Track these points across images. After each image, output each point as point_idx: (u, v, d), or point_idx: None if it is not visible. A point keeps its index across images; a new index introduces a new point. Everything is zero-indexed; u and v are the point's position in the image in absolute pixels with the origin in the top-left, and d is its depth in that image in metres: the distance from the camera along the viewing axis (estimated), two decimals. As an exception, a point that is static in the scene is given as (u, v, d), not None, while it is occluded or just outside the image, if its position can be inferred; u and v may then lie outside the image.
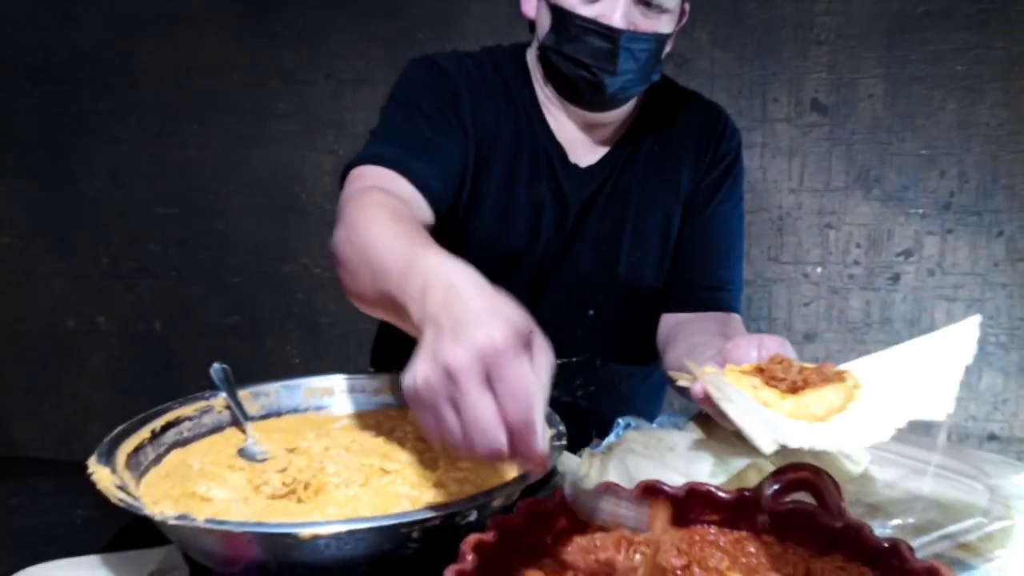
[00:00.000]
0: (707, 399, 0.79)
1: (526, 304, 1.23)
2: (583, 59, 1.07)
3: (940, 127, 2.14)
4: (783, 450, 0.89)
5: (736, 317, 1.20)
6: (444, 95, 1.12)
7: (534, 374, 0.59)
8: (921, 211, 2.19)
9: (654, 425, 1.15)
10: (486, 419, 0.56)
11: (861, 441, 0.68)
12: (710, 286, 1.21)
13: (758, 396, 0.76)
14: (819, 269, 2.24)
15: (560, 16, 1.07)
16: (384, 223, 0.85)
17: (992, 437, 2.28)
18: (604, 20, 1.05)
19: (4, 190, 2.49)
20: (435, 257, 0.71)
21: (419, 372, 0.59)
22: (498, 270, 1.16)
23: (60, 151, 2.45)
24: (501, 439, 0.57)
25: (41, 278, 2.53)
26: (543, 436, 0.60)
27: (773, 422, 0.72)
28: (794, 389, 0.75)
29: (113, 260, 2.50)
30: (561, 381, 1.22)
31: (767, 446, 0.66)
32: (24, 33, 2.40)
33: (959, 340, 0.76)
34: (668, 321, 1.22)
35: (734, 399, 0.75)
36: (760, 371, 0.79)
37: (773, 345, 0.85)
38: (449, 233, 1.14)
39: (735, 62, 2.17)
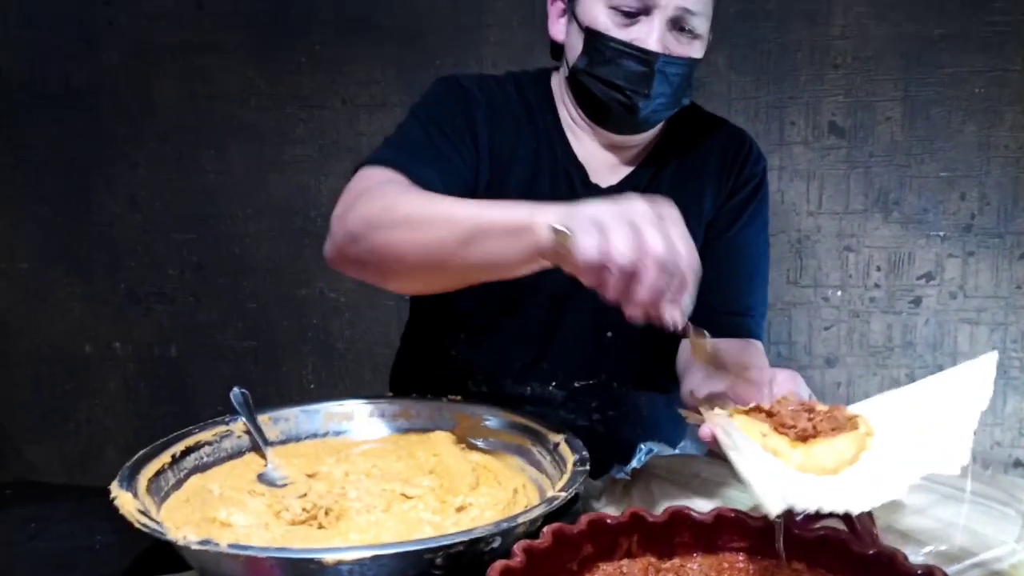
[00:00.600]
0: (715, 442, 0.77)
1: (545, 325, 1.22)
2: (618, 82, 1.07)
3: (959, 149, 2.13)
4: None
5: (757, 344, 1.18)
6: (462, 112, 1.13)
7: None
8: (942, 234, 2.17)
9: (676, 450, 1.14)
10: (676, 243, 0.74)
11: (872, 500, 0.64)
12: (731, 311, 1.19)
13: (767, 444, 0.73)
14: (839, 292, 2.22)
15: (594, 39, 1.08)
16: (431, 194, 0.94)
17: (1018, 464, 2.24)
18: (640, 43, 1.05)
19: (22, 215, 2.52)
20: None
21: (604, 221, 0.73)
22: (517, 291, 1.16)
23: (78, 176, 2.48)
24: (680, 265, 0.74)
25: (58, 303, 2.54)
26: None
27: (781, 477, 0.69)
28: (804, 437, 0.72)
29: (130, 285, 2.51)
30: (578, 404, 1.21)
31: (774, 508, 0.63)
32: (44, 59, 2.43)
33: (975, 379, 0.73)
34: (687, 346, 1.21)
35: (742, 449, 0.72)
36: (769, 415, 0.76)
37: (785, 382, 0.83)
38: None
39: (751, 86, 2.17)
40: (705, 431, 0.79)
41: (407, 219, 0.88)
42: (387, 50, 2.30)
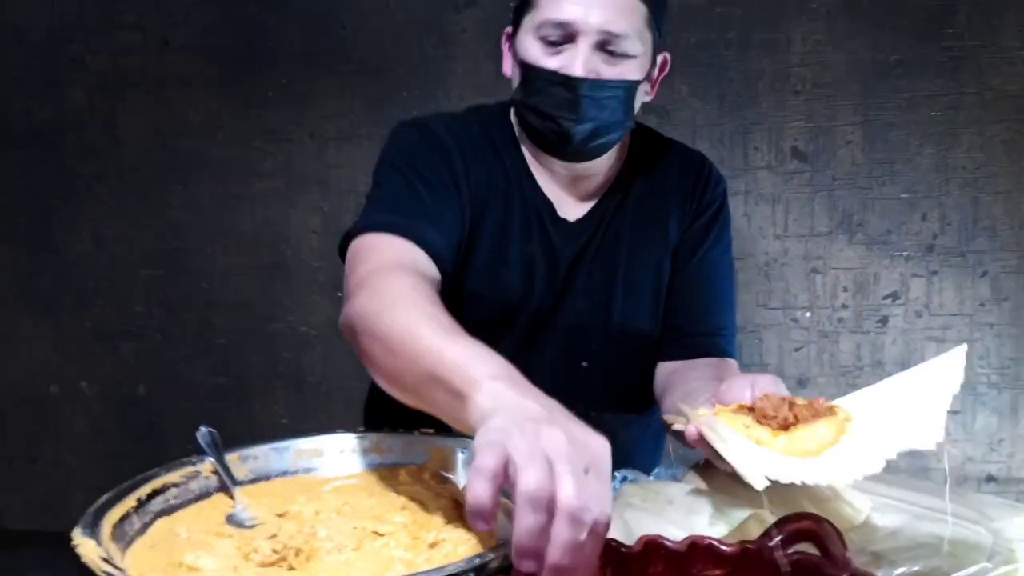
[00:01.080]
0: (701, 441, 0.79)
1: (520, 357, 1.22)
2: (547, 110, 1.08)
3: (919, 171, 2.18)
4: (783, 498, 0.88)
5: (732, 362, 1.20)
6: (439, 159, 1.13)
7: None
8: (905, 254, 2.21)
9: (651, 478, 1.14)
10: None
11: (853, 474, 0.69)
12: (704, 332, 1.20)
13: (751, 435, 0.76)
14: (808, 314, 2.25)
15: (527, 71, 1.09)
16: (424, 307, 0.88)
17: (990, 478, 2.26)
18: (565, 71, 1.05)
19: (-13, 255, 2.48)
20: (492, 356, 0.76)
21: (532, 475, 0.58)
22: (492, 324, 1.16)
23: (43, 214, 2.45)
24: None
25: (23, 342, 2.50)
26: None
27: (766, 459, 0.73)
28: (786, 426, 0.75)
29: (97, 323, 2.47)
30: None
31: (758, 483, 0.68)
32: (7, 96, 2.41)
33: (946, 370, 0.76)
34: (664, 369, 1.21)
35: (727, 438, 0.75)
36: (751, 410, 0.79)
37: (766, 384, 0.85)
38: (444, 288, 1.14)
39: (715, 112, 2.20)
40: (691, 431, 0.80)
41: (385, 338, 0.87)
42: (354, 83, 2.30)
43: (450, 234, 1.09)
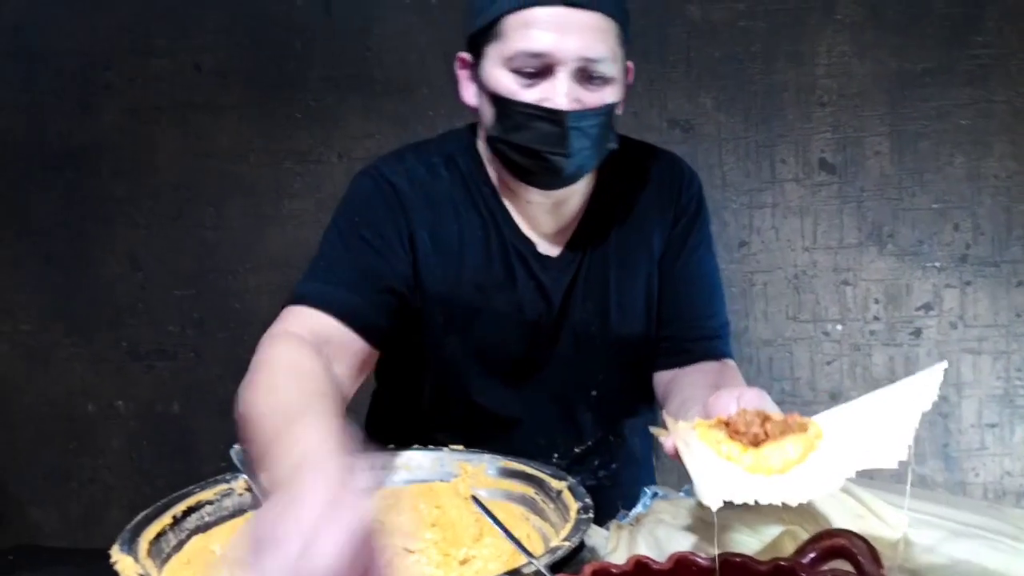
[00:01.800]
0: (676, 454, 0.78)
1: (528, 401, 1.19)
2: (532, 146, 1.01)
3: (949, 181, 2.15)
4: (816, 515, 0.87)
5: (730, 363, 1.16)
6: (390, 217, 1.08)
7: None
8: (938, 264, 2.18)
9: (681, 493, 1.13)
10: None
11: (810, 493, 0.68)
12: (698, 337, 1.16)
13: (721, 451, 0.76)
14: (839, 327, 2.23)
15: (501, 105, 1.01)
16: (272, 385, 0.88)
17: (1028, 493, 2.22)
18: (547, 104, 0.98)
19: (23, 275, 2.53)
20: (299, 443, 0.70)
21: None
22: (496, 373, 1.14)
23: (78, 236, 2.50)
24: None
25: (60, 362, 2.54)
26: None
27: (729, 477, 0.72)
28: (756, 442, 0.75)
29: (131, 343, 2.51)
30: (582, 467, 1.21)
31: (712, 502, 0.68)
32: (43, 120, 2.47)
33: (922, 387, 0.75)
34: (663, 378, 1.18)
35: (696, 454, 0.75)
36: (727, 425, 0.78)
37: (751, 399, 0.82)
38: (442, 345, 1.13)
39: (740, 126, 2.20)
40: (668, 444, 0.79)
41: (246, 414, 0.86)
42: (381, 104, 2.33)
43: (381, 297, 1.05)
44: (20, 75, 2.46)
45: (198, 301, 2.47)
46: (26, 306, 2.54)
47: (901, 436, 0.69)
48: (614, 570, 0.70)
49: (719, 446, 0.76)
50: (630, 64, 1.10)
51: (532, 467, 0.99)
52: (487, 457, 1.04)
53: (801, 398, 2.23)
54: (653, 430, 0.91)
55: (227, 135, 2.40)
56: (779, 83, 2.18)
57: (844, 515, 0.87)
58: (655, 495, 1.16)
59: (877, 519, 0.87)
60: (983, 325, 2.18)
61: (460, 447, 1.08)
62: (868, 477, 0.93)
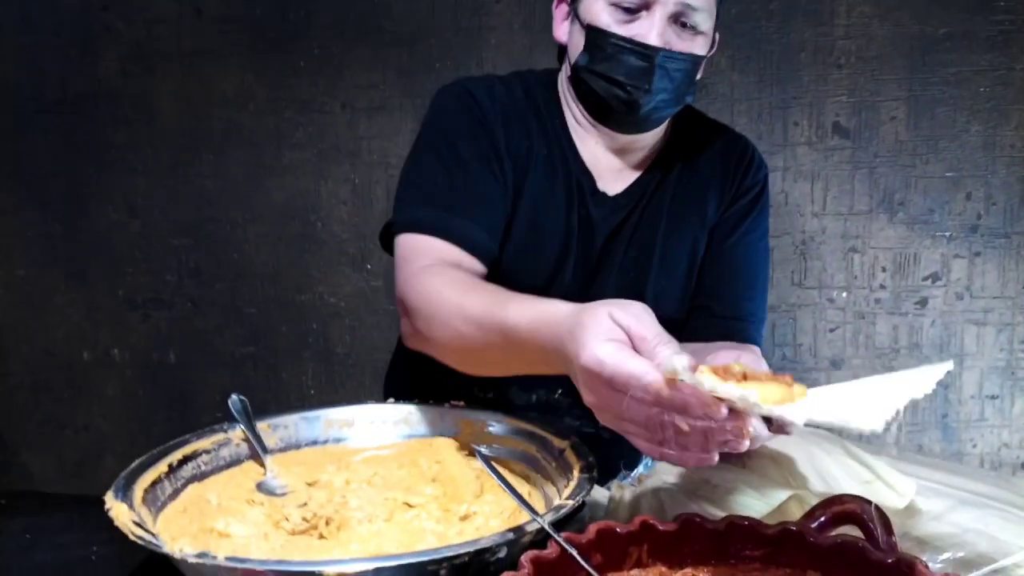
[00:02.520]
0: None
1: None
2: (618, 77, 1.06)
3: (964, 149, 2.11)
4: (824, 479, 0.86)
5: (755, 350, 1.16)
6: (479, 129, 1.11)
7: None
8: (948, 234, 2.15)
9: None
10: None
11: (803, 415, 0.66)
12: (731, 315, 1.19)
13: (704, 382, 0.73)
14: (844, 294, 2.20)
15: (595, 36, 1.07)
16: (477, 292, 0.94)
17: (1026, 465, 2.22)
18: (640, 39, 1.04)
19: (20, 222, 2.50)
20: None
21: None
22: (530, 289, 1.14)
23: (76, 183, 2.46)
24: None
25: (56, 310, 2.52)
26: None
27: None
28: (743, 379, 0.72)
29: (128, 291, 2.49)
30: (584, 410, 1.19)
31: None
32: (43, 66, 2.42)
33: (923, 377, 0.73)
34: (686, 350, 1.18)
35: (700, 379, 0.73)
36: (714, 371, 0.77)
37: (748, 360, 0.81)
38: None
39: (754, 86, 2.15)
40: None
41: (458, 341, 0.93)
42: (387, 53, 2.28)
43: (491, 219, 1.09)
44: (17, 17, 2.40)
45: (196, 251, 2.44)
46: (23, 252, 2.52)
47: (887, 406, 0.67)
48: (619, 530, 0.68)
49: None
50: (717, 35, 1.14)
51: (534, 425, 0.97)
52: (488, 414, 1.02)
53: (802, 364, 2.22)
54: None
55: (228, 82, 2.35)
56: (796, 43, 2.12)
57: (851, 480, 0.86)
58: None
59: (885, 485, 0.86)
60: (990, 296, 2.16)
61: (461, 403, 1.06)
62: (868, 443, 0.92)
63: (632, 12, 1.05)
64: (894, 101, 2.11)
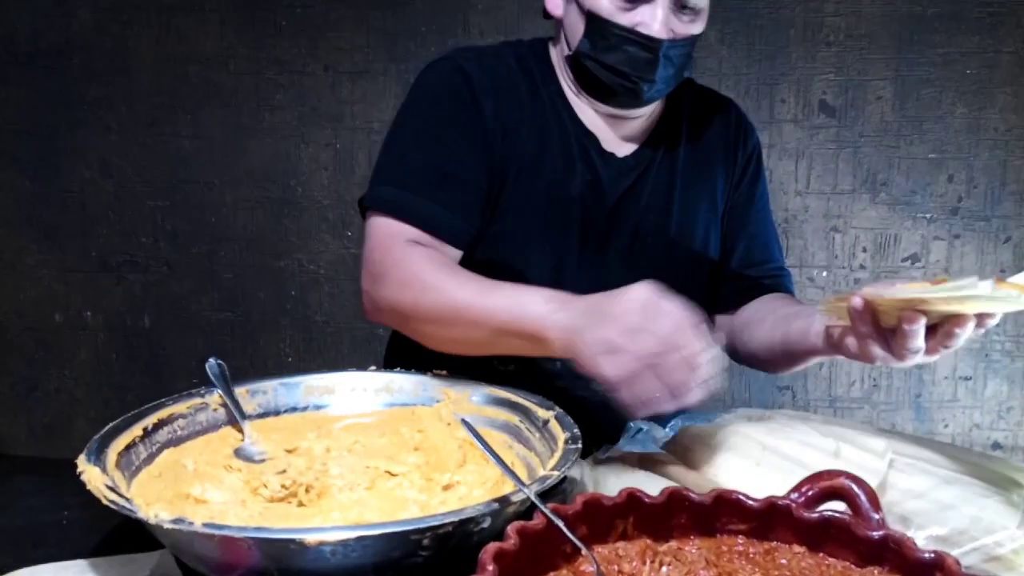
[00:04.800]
0: (866, 309, 0.83)
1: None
2: (622, 68, 1.05)
3: (949, 131, 2.12)
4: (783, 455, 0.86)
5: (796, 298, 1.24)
6: (463, 107, 1.09)
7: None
8: (928, 216, 2.16)
9: (667, 429, 1.12)
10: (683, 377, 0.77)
11: None
12: (768, 275, 1.23)
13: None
14: (824, 273, 2.21)
15: (595, 23, 1.05)
16: (452, 278, 0.96)
17: (996, 446, 2.25)
18: (643, 29, 1.03)
19: (-9, 180, 2.44)
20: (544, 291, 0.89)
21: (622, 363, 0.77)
22: (520, 262, 1.13)
23: (49, 140, 2.40)
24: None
25: (28, 270, 2.47)
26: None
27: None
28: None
29: (102, 253, 2.44)
30: (576, 375, 1.19)
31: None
32: (14, 17, 2.34)
33: None
34: (734, 317, 1.23)
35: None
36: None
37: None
38: (494, 227, 1.14)
39: (743, 61, 2.14)
40: (856, 300, 0.84)
41: (437, 318, 0.95)
42: (372, 15, 2.23)
43: (466, 200, 1.08)
44: (-12, -34, 2.32)
45: (172, 213, 2.39)
46: (-7, 210, 2.45)
47: None
48: (606, 502, 0.68)
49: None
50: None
51: (518, 395, 0.96)
52: (471, 384, 1.01)
53: (781, 343, 2.23)
54: (824, 303, 0.94)
55: (208, 39, 2.29)
56: (786, 18, 2.11)
57: (819, 455, 0.86)
58: (639, 430, 1.14)
59: (857, 449, 0.86)
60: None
61: (443, 372, 1.05)
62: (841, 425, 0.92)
63: (634, 0, 1.03)
64: (881, 80, 2.11)
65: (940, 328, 0.81)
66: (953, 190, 2.15)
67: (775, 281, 1.23)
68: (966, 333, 0.81)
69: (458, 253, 1.08)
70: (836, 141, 2.15)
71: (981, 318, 0.80)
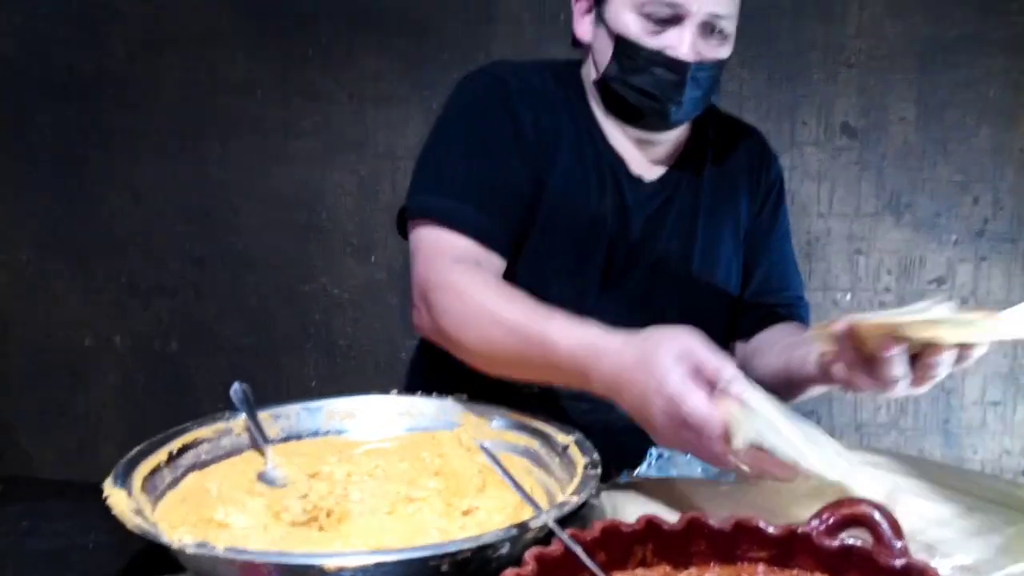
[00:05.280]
0: (849, 335, 0.83)
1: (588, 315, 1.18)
2: (650, 90, 1.06)
3: (973, 153, 2.10)
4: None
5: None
6: (504, 114, 1.10)
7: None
8: (954, 238, 2.14)
9: (688, 455, 1.11)
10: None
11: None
12: (784, 304, 1.23)
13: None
14: (849, 296, 2.20)
15: (624, 47, 1.06)
16: (504, 301, 0.94)
17: (1028, 472, 2.21)
18: (671, 52, 1.04)
19: (24, 206, 2.49)
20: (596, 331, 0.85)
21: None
22: (562, 297, 1.13)
23: (81, 168, 2.45)
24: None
25: (58, 295, 2.52)
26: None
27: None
28: None
29: (131, 278, 2.48)
30: (601, 400, 1.19)
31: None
32: (49, 49, 2.41)
33: None
34: (748, 344, 1.23)
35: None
36: None
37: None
38: (522, 250, 1.14)
39: (764, 84, 2.14)
40: (839, 324, 0.83)
41: (488, 347, 0.95)
42: (395, 44, 2.27)
43: (508, 210, 1.08)
44: (24, 1, 2.39)
45: (199, 238, 2.43)
46: (26, 236, 2.51)
47: None
48: (624, 529, 0.67)
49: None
50: None
51: (538, 420, 0.96)
52: (491, 408, 1.01)
53: (805, 366, 2.22)
54: (813, 331, 0.93)
55: (236, 70, 2.34)
56: (807, 41, 2.11)
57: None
58: (660, 456, 1.14)
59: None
60: (995, 302, 2.15)
61: (464, 396, 1.05)
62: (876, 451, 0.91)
63: (662, 23, 1.04)
64: (903, 102, 2.10)
65: (919, 358, 0.80)
66: (979, 212, 2.12)
67: (790, 310, 1.22)
68: (945, 364, 0.79)
69: (503, 263, 1.08)
70: (859, 163, 2.14)
71: (964, 349, 0.79)
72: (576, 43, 1.18)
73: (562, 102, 1.15)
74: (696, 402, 0.73)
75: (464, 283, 0.98)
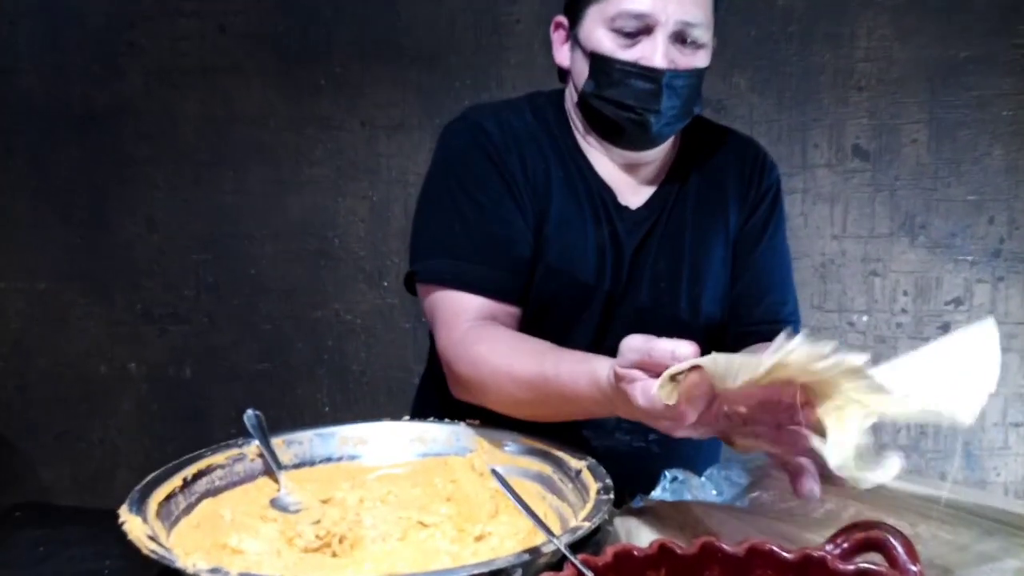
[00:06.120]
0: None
1: (593, 343, 1.20)
2: (628, 102, 1.07)
3: (987, 173, 2.10)
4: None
5: None
6: (492, 166, 1.11)
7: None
8: (970, 258, 2.13)
9: (703, 479, 1.10)
10: None
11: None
12: (769, 320, 1.20)
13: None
14: (865, 318, 2.18)
15: (599, 62, 1.07)
16: (527, 355, 0.97)
17: (1050, 495, 2.17)
18: (645, 62, 1.05)
19: (41, 235, 2.52)
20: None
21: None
22: (567, 310, 1.15)
23: (98, 197, 2.48)
24: None
25: (75, 322, 2.54)
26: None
27: None
28: None
29: (146, 305, 2.50)
30: (632, 424, 1.19)
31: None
32: (66, 80, 2.45)
33: (980, 345, 0.71)
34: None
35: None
36: None
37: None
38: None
39: (774, 108, 2.15)
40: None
41: (513, 401, 1.00)
42: (407, 72, 2.29)
43: (513, 259, 1.10)
44: (44, 34, 2.44)
45: (214, 266, 2.45)
46: (43, 265, 2.54)
47: (975, 395, 0.66)
48: (637, 553, 0.67)
49: None
50: (715, 40, 1.14)
51: (550, 445, 0.96)
52: (504, 433, 1.01)
53: (822, 389, 2.20)
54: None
55: (250, 99, 2.37)
56: (816, 65, 2.12)
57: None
58: (674, 479, 1.13)
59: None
60: (1014, 322, 2.13)
61: (476, 422, 1.05)
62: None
63: (633, 36, 1.05)
64: (915, 124, 2.10)
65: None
66: (994, 232, 2.11)
67: (777, 329, 1.19)
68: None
69: (519, 310, 1.11)
70: (871, 184, 2.14)
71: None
72: (561, 75, 1.19)
73: (546, 138, 1.16)
74: (636, 393, 0.75)
75: (476, 351, 1.02)
